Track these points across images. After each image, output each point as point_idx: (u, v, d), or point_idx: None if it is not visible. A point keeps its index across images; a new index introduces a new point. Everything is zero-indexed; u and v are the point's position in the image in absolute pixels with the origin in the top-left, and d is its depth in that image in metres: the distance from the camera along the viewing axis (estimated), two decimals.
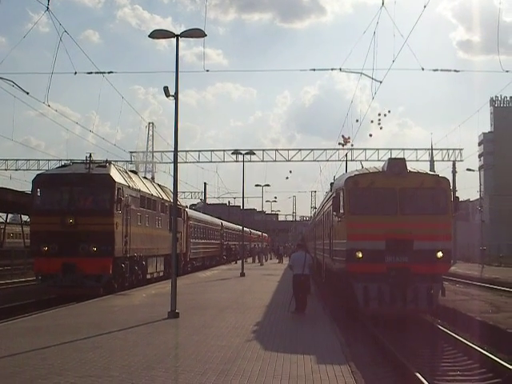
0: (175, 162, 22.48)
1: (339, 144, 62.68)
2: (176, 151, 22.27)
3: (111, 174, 30.09)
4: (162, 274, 39.60)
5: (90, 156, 30.82)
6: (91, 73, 31.96)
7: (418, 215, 22.00)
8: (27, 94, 29.42)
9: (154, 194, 38.46)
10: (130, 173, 35.88)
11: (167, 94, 21.41)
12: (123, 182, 31.36)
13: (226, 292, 31.10)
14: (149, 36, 21.43)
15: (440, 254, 21.52)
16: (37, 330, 17.82)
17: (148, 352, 14.04)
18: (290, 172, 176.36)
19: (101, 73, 32.01)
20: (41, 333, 17.30)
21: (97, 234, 28.62)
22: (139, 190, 34.26)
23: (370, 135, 79.47)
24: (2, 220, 69.07)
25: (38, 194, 30.30)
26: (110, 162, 32.46)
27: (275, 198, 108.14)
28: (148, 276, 36.36)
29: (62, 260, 28.31)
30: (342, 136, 58.88)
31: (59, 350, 14.47)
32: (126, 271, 31.60)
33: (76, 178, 29.75)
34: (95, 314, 22.03)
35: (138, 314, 21.47)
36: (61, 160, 35.42)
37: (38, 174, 32.23)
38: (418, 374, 13.62)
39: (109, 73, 32.42)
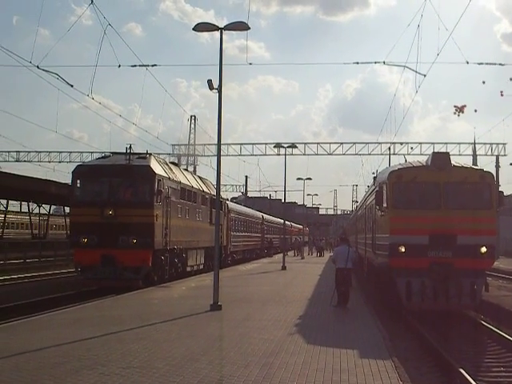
0: (218, 155, 22.47)
1: (455, 112, 57.68)
2: (219, 144, 22.27)
3: (151, 166, 29.84)
4: (202, 266, 39.55)
5: (130, 147, 30.74)
6: (135, 66, 32.03)
7: (462, 210, 21.78)
8: (71, 86, 29.31)
9: (195, 186, 38.22)
10: (170, 164, 35.63)
11: (211, 88, 21.41)
12: (163, 173, 31.09)
13: (268, 285, 31.11)
14: (193, 29, 21.44)
15: (484, 249, 21.28)
16: (80, 321, 18.01)
17: (191, 344, 14.11)
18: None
19: (144, 66, 32.11)
20: (84, 324, 17.49)
21: (136, 225, 28.36)
22: (179, 182, 33.97)
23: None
24: (45, 212, 69.70)
25: (78, 186, 30.20)
26: (150, 154, 32.29)
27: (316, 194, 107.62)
28: (188, 269, 36.17)
29: (102, 252, 28.23)
30: (455, 106, 55.69)
31: (103, 340, 14.61)
32: (166, 263, 31.42)
33: (116, 169, 29.61)
34: (138, 305, 22.22)
35: (181, 306, 21.60)
36: (103, 152, 35.72)
37: (77, 165, 32.14)
38: (461, 370, 13.53)
39: (152, 66, 32.50)
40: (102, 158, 33.13)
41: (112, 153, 32.76)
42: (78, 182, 30.14)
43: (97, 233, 28.54)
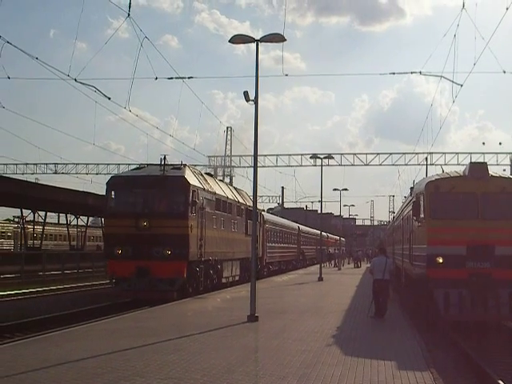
0: (255, 166, 22.52)
1: None
2: (256, 155, 22.31)
3: (186, 176, 29.59)
4: (237, 278, 39.24)
5: (165, 158, 30.42)
6: (171, 78, 32.08)
7: (500, 220, 21.57)
8: (109, 99, 29.39)
9: (230, 196, 37.94)
10: (205, 175, 35.46)
11: (247, 99, 21.49)
12: (198, 184, 30.87)
13: (305, 296, 31.08)
14: (229, 41, 21.56)
15: None
16: (118, 332, 18.10)
17: (228, 355, 14.12)
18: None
19: (181, 78, 32.16)
20: (122, 335, 17.56)
21: (171, 237, 28.16)
22: (214, 193, 33.76)
23: None
24: (83, 223, 70.31)
25: (113, 197, 30.12)
26: (185, 165, 31.93)
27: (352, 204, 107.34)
28: (223, 280, 35.92)
29: (136, 263, 28.06)
30: None
31: (141, 351, 14.68)
32: (201, 275, 31.14)
33: (150, 180, 29.43)
34: (174, 316, 22.27)
35: (217, 317, 21.61)
36: (140, 164, 35.82)
37: (112, 176, 32.07)
38: (500, 382, 13.39)
39: (189, 78, 32.56)
40: (137, 168, 33.13)
41: (147, 164, 32.66)
42: (113, 193, 30.11)
43: (131, 244, 28.42)
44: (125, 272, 28.29)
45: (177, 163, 31.85)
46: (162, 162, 30.29)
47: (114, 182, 30.43)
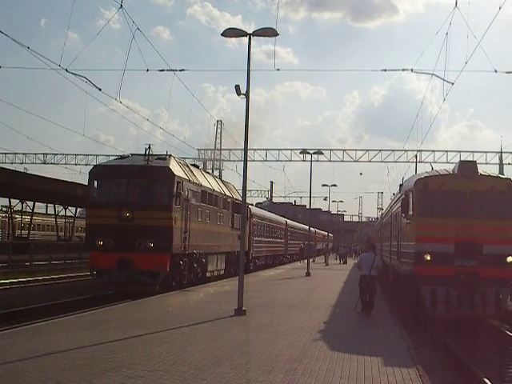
0: (245, 161, 22.49)
1: None
2: (246, 149, 22.31)
3: (170, 167, 28.79)
4: (222, 272, 38.71)
5: (149, 148, 29.79)
6: (163, 70, 31.90)
7: (488, 219, 21.68)
8: (100, 90, 29.12)
9: (216, 189, 37.13)
10: (191, 166, 34.54)
11: (238, 93, 21.48)
12: (183, 175, 30.03)
13: (292, 291, 31.11)
14: (221, 34, 21.58)
15: (510, 259, 21.14)
16: (105, 323, 18.08)
17: (215, 348, 14.15)
18: (361, 174, 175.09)
19: (172, 70, 31.99)
20: (109, 326, 17.57)
21: (154, 228, 27.42)
22: (200, 185, 32.94)
23: None
24: (71, 214, 70.24)
25: (95, 186, 29.31)
26: (170, 155, 31.05)
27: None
28: (208, 274, 35.30)
29: (118, 255, 27.37)
30: None
31: (128, 343, 14.70)
32: (185, 268, 30.41)
33: (134, 170, 28.63)
34: (161, 309, 22.25)
35: (204, 310, 21.61)
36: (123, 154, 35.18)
37: (94, 165, 31.44)
38: (486, 380, 13.46)
39: (180, 70, 32.42)
40: (121, 158, 32.05)
41: (131, 154, 31.88)
42: (95, 182, 29.33)
43: (113, 235, 27.70)
44: (106, 264, 27.71)
45: (161, 153, 31.14)
46: (147, 152, 29.66)
47: (97, 171, 29.86)
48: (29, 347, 13.75)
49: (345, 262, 75.50)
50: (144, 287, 27.27)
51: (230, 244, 39.36)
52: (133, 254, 27.31)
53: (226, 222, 38.74)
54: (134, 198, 28.61)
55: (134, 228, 27.50)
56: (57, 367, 11.69)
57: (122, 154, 32.17)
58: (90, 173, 29.86)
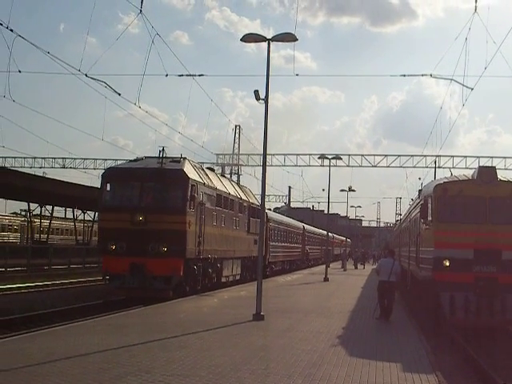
0: (264, 166, 22.49)
1: None
2: (265, 154, 22.30)
3: (185, 170, 28.15)
4: (238, 277, 38.10)
5: (163, 150, 29.30)
6: (182, 75, 31.96)
7: (508, 225, 21.55)
8: (119, 94, 29.08)
9: (232, 193, 36.54)
10: (206, 170, 34.03)
11: (257, 98, 21.49)
12: (198, 178, 29.33)
13: (310, 296, 31.10)
14: (241, 40, 21.59)
15: None
16: (124, 328, 18.11)
17: (234, 353, 14.15)
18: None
19: (191, 75, 32.06)
20: (127, 330, 17.57)
21: (168, 232, 26.75)
22: (215, 188, 32.23)
23: None
24: (90, 218, 70.42)
25: (108, 189, 28.70)
26: (184, 158, 30.34)
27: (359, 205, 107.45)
28: (223, 279, 34.67)
29: (130, 260, 26.76)
30: None
31: (147, 347, 14.72)
32: (199, 273, 29.69)
33: (147, 172, 28.09)
34: (178, 314, 22.21)
35: (222, 315, 21.58)
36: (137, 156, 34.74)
37: (107, 168, 30.70)
38: None
39: (199, 75, 32.50)
40: (134, 160, 31.09)
41: (145, 156, 31.31)
42: (108, 185, 28.72)
43: (126, 240, 27.08)
44: (119, 269, 27.14)
45: (176, 156, 30.62)
46: (160, 155, 29.37)
47: (110, 174, 29.28)
48: (48, 351, 13.79)
49: (360, 268, 74.89)
50: (157, 293, 26.77)
51: (245, 249, 39.02)
52: (146, 259, 26.76)
53: (241, 227, 38.28)
54: (148, 201, 28.05)
55: (147, 232, 26.90)
56: (76, 371, 11.73)
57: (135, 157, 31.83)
58: (103, 175, 29.56)
